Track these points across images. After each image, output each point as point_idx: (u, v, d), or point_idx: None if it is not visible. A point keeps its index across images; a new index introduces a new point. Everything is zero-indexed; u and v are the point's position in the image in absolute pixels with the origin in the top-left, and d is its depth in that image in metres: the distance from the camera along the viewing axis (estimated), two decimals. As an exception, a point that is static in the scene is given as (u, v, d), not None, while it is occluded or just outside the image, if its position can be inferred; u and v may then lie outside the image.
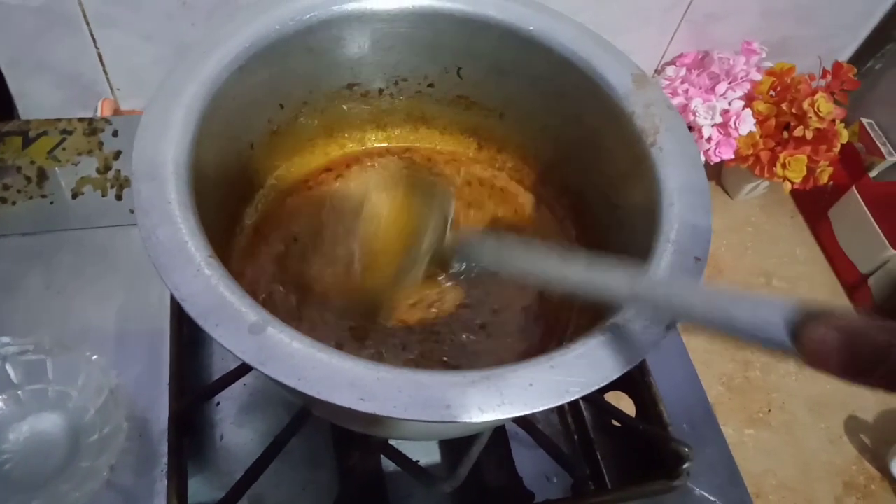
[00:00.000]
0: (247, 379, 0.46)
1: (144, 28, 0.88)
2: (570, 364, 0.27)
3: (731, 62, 1.19)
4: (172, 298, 0.45)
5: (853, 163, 1.39)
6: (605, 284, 0.30)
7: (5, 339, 0.41)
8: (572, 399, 0.26)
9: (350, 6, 0.40)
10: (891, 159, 1.36)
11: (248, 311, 0.27)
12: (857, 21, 1.32)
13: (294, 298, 0.42)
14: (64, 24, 0.84)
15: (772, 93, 1.25)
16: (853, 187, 1.37)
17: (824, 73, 1.27)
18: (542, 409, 0.26)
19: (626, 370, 0.27)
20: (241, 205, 0.44)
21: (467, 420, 0.25)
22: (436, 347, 0.41)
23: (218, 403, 0.48)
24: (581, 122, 0.42)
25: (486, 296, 0.44)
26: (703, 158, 1.20)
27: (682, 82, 1.21)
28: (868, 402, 1.27)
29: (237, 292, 0.28)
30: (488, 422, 0.27)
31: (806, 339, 0.23)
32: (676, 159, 0.35)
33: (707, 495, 0.47)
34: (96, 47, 0.88)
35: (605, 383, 0.27)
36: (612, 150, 0.40)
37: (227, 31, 0.37)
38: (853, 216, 1.37)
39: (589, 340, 0.28)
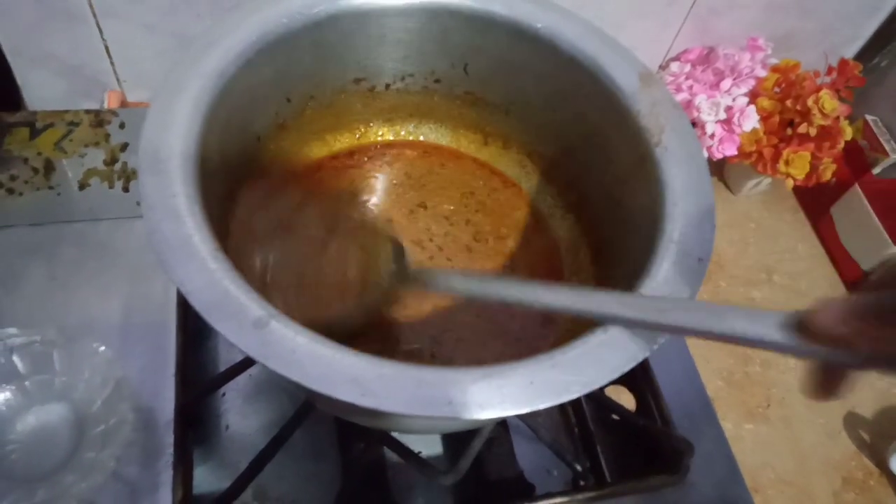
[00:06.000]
0: (252, 369, 0.47)
1: (149, 18, 0.88)
2: (572, 362, 0.27)
3: (737, 58, 1.19)
4: (178, 290, 0.45)
5: (857, 160, 1.38)
6: (589, 307, 0.30)
7: (12, 330, 0.42)
8: (573, 398, 0.27)
9: (358, 0, 0.40)
10: (894, 156, 1.36)
11: (253, 304, 0.27)
12: (860, 15, 1.31)
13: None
14: (68, 14, 0.84)
15: (776, 89, 1.24)
16: (856, 184, 1.36)
17: (829, 70, 1.26)
18: (542, 407, 0.26)
19: (627, 369, 0.28)
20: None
21: (468, 417, 0.25)
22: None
23: (223, 393, 0.49)
24: (586, 120, 0.42)
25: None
26: (706, 155, 1.20)
27: (687, 78, 1.21)
28: (867, 397, 1.28)
29: (242, 286, 0.28)
30: (489, 419, 0.28)
31: (813, 319, 0.23)
32: (681, 159, 0.35)
33: (706, 490, 0.48)
34: (103, 38, 0.88)
35: (606, 382, 0.27)
36: (616, 148, 0.40)
37: (233, 23, 0.36)
38: (856, 213, 1.37)
39: (590, 339, 0.28)
